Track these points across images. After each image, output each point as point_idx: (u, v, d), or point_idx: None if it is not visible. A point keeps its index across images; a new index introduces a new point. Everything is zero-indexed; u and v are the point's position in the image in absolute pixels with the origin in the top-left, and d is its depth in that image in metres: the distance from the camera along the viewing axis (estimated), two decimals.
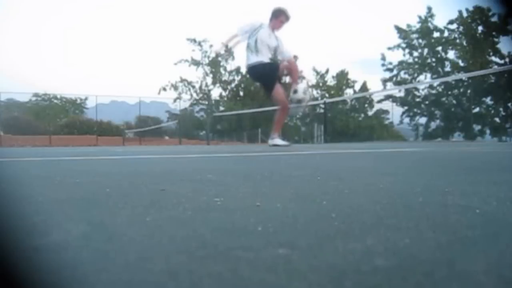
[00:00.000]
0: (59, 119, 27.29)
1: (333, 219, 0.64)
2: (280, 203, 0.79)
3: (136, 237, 0.54)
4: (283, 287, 0.36)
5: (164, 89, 25.83)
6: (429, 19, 23.11)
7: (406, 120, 23.36)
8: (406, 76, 23.95)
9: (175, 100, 26.25)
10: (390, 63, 24.18)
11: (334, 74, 27.98)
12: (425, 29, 22.97)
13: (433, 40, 23.10)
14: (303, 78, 6.21)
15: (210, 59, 25.71)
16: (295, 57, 5.44)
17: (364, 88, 27.34)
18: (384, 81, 24.36)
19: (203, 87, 26.53)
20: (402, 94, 22.83)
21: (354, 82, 28.05)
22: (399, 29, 23.45)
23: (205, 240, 0.52)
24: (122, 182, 1.24)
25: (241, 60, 24.37)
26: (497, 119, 21.38)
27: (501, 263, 0.42)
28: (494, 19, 19.91)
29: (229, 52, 5.66)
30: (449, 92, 22.62)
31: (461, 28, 22.20)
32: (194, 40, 25.81)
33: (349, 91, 27.75)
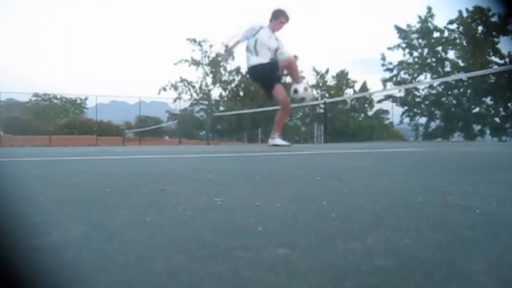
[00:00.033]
0: (59, 119, 27.29)
1: (333, 219, 0.64)
2: (280, 203, 0.79)
3: (136, 237, 0.54)
4: (283, 287, 0.36)
5: (164, 89, 25.86)
6: (429, 19, 23.12)
7: (406, 120, 23.40)
8: (406, 76, 23.97)
9: (175, 100, 26.29)
10: (390, 63, 24.22)
11: (334, 74, 28.02)
12: (425, 29, 22.98)
13: (433, 40, 23.11)
14: (303, 78, 6.17)
15: (210, 59, 25.72)
16: (295, 57, 5.43)
17: (364, 88, 27.35)
18: (384, 81, 24.39)
19: (203, 87, 26.55)
20: (402, 94, 22.85)
21: (354, 82, 28.09)
22: (399, 29, 23.46)
23: (205, 240, 0.52)
24: (122, 182, 1.24)
25: (241, 60, 24.38)
26: (497, 119, 21.39)
27: (501, 263, 0.42)
28: (494, 19, 19.92)
29: (229, 52, 5.65)
30: (449, 92, 22.63)
31: (461, 28, 22.21)
32: (194, 40, 25.83)
33: (349, 91, 27.78)
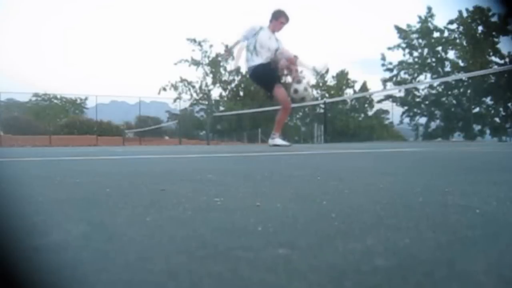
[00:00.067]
0: (59, 119, 27.29)
1: (333, 219, 0.64)
2: (280, 203, 0.79)
3: (136, 237, 0.54)
4: (283, 287, 0.36)
5: (164, 89, 25.88)
6: (429, 19, 23.13)
7: (406, 120, 23.41)
8: (406, 76, 23.98)
9: (175, 100, 26.30)
10: (390, 63, 24.23)
11: (334, 74, 28.02)
12: (425, 29, 22.98)
13: (433, 40, 23.12)
14: (303, 78, 6.17)
15: (210, 59, 25.73)
16: (296, 57, 5.42)
17: (364, 88, 27.36)
18: (384, 81, 24.41)
19: (203, 87, 26.57)
20: (402, 94, 22.86)
21: (354, 82, 28.11)
22: (399, 29, 23.47)
23: (205, 240, 0.52)
24: (122, 182, 1.24)
25: (241, 60, 24.36)
26: (497, 119, 21.40)
27: (501, 263, 0.42)
28: (494, 19, 19.93)
29: (229, 52, 5.64)
30: (449, 92, 22.64)
31: (461, 28, 22.22)
32: (194, 40, 25.85)
33: (349, 91, 27.79)
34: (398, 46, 23.66)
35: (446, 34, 23.02)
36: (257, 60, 5.24)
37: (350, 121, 25.39)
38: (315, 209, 0.74)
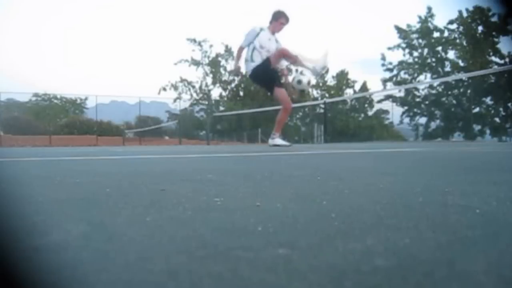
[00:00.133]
0: (59, 119, 27.29)
1: (333, 219, 0.64)
2: (280, 203, 0.79)
3: (136, 237, 0.54)
4: (283, 287, 0.36)
5: (164, 89, 25.90)
6: (429, 19, 23.14)
7: (406, 120, 23.41)
8: (406, 76, 23.99)
9: (175, 100, 26.32)
10: (390, 63, 24.24)
11: (334, 74, 28.02)
12: (425, 29, 22.99)
13: (433, 40, 23.12)
14: (305, 75, 6.14)
15: (210, 59, 25.75)
16: (296, 57, 5.39)
17: (364, 88, 27.37)
18: (384, 81, 24.42)
19: (203, 87, 26.59)
20: (402, 94, 22.86)
21: (354, 82, 28.12)
22: (399, 29, 23.47)
23: (205, 240, 0.52)
24: (122, 182, 1.24)
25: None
26: (497, 119, 21.40)
27: (501, 263, 0.42)
28: (494, 19, 19.93)
29: (238, 68, 5.59)
30: (449, 92, 22.64)
31: (461, 28, 22.22)
32: (194, 40, 25.88)
33: (349, 91, 27.80)
34: (398, 46, 23.68)
35: (446, 34, 23.04)
36: (257, 61, 5.24)
37: (350, 121, 25.40)
38: (315, 209, 0.74)
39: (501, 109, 21.22)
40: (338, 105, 25.23)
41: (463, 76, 19.34)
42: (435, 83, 22.69)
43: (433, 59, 23.49)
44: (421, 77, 23.68)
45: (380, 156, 3.13)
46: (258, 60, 5.23)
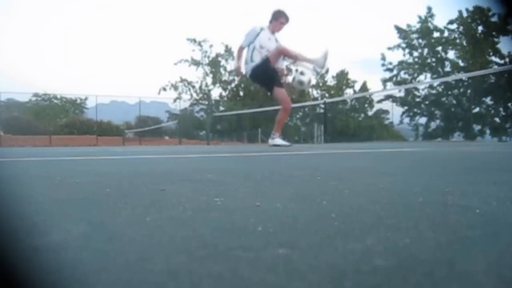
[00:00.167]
0: (59, 119, 27.29)
1: (333, 219, 0.64)
2: (280, 203, 0.79)
3: (136, 237, 0.54)
4: (283, 287, 0.36)
5: (164, 89, 25.91)
6: (429, 19, 23.14)
7: (406, 120, 23.41)
8: (406, 76, 23.99)
9: (175, 100, 26.32)
10: (390, 63, 24.24)
11: (334, 74, 28.03)
12: (425, 29, 22.99)
13: (433, 40, 23.12)
14: (305, 74, 6.14)
15: (210, 59, 25.75)
16: (296, 57, 5.38)
17: (364, 88, 27.38)
18: (384, 81, 24.42)
19: (203, 87, 26.60)
20: (402, 94, 22.86)
21: (354, 82, 28.13)
22: (399, 29, 23.48)
23: (205, 240, 0.52)
24: (122, 182, 1.24)
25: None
26: (497, 119, 21.40)
27: (501, 263, 0.42)
28: (494, 19, 19.93)
29: (240, 68, 5.58)
30: (449, 92, 22.64)
31: (461, 28, 22.23)
32: (194, 40, 25.88)
33: (349, 91, 27.81)
34: (398, 46, 23.68)
35: (446, 34, 23.05)
36: (257, 61, 5.24)
37: (350, 121, 25.40)
38: (315, 209, 0.74)
39: (501, 109, 21.23)
40: (338, 105, 25.23)
41: (463, 76, 19.34)
42: (435, 83, 22.70)
43: (433, 59, 23.50)
44: (421, 77, 23.69)
45: (380, 156, 3.13)
46: (258, 60, 5.23)
